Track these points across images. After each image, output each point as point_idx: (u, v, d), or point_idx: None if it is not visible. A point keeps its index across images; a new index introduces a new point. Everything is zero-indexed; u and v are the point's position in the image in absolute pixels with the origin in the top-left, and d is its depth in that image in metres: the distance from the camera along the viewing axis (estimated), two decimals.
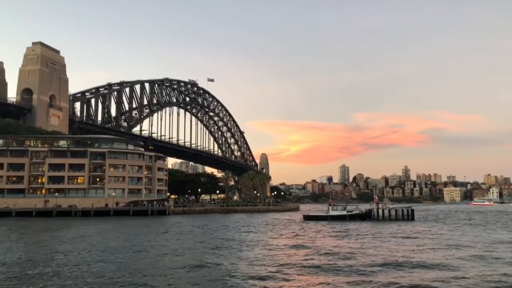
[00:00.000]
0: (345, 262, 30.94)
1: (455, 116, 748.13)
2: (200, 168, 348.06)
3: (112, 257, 33.14)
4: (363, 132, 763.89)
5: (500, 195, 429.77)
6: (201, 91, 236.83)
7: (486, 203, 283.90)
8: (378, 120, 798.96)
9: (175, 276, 25.46)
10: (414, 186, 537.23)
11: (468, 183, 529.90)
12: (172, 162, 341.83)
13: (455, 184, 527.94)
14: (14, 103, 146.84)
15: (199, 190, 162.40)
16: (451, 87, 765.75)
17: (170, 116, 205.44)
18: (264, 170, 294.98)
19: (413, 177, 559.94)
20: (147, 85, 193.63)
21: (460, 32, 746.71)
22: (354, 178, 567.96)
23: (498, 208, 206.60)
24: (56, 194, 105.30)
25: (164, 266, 29.31)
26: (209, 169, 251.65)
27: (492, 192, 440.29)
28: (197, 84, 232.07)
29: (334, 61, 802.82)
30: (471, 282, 23.85)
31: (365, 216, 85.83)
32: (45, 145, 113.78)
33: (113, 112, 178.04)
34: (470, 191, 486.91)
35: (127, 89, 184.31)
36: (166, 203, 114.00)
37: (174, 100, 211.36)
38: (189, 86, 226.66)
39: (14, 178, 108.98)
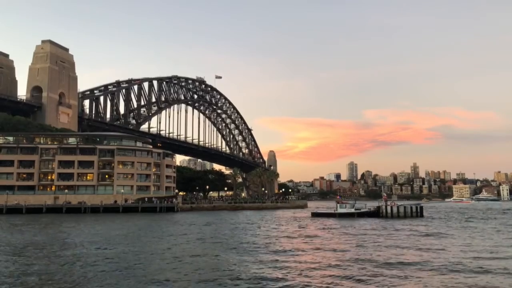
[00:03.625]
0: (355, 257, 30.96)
1: (466, 113, 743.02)
2: (208, 165, 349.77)
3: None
4: (372, 129, 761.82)
5: (511, 192, 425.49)
6: (209, 89, 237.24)
7: (464, 200, 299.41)
8: (388, 117, 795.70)
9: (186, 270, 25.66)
10: (423, 184, 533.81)
11: (478, 180, 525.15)
12: (180, 159, 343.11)
13: (465, 181, 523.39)
14: (24, 101, 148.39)
15: (207, 187, 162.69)
16: (462, 84, 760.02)
17: (178, 113, 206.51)
18: (272, 167, 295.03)
19: (422, 174, 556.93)
20: (155, 82, 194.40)
21: (472, 29, 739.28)
22: (363, 175, 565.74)
23: (469, 205, 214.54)
24: (66, 191, 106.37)
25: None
26: (217, 166, 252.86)
27: (503, 189, 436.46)
28: (205, 81, 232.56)
29: (344, 58, 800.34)
30: None
31: (374, 214, 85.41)
32: (55, 142, 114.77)
33: (122, 109, 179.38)
34: (479, 188, 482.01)
35: (136, 87, 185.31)
36: (174, 200, 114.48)
37: (182, 98, 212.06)
38: (197, 83, 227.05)
39: (24, 175, 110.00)
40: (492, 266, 27.28)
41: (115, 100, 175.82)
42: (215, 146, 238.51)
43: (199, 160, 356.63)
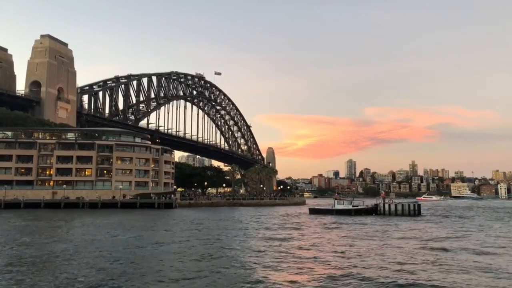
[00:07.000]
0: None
1: (465, 112, 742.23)
2: (206, 161, 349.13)
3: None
4: (371, 127, 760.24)
5: (509, 191, 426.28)
6: (208, 85, 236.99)
7: (434, 198, 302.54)
8: (388, 115, 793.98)
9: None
10: (421, 182, 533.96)
11: (476, 178, 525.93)
12: (179, 155, 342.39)
13: (463, 179, 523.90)
14: (23, 95, 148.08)
15: (206, 183, 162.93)
16: (462, 82, 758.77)
17: (177, 109, 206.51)
18: (270, 164, 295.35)
19: (420, 172, 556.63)
20: (154, 78, 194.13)
21: (472, 27, 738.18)
22: (361, 172, 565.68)
23: (437, 203, 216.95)
24: (64, 186, 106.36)
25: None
26: (215, 163, 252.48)
27: (500, 188, 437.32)
28: (204, 77, 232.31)
29: (344, 55, 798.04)
30: None
31: (371, 211, 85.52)
32: (53, 138, 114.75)
33: (121, 105, 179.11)
34: (478, 187, 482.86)
35: (135, 82, 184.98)
36: (172, 196, 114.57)
37: (181, 94, 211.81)
38: (196, 79, 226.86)
39: (22, 170, 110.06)
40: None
41: (114, 96, 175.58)
42: (213, 142, 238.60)
43: (197, 156, 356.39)
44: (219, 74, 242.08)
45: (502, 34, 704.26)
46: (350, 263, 27.78)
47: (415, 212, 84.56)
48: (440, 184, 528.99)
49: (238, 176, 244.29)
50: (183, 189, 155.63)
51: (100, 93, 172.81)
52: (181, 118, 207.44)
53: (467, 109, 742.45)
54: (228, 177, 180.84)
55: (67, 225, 54.96)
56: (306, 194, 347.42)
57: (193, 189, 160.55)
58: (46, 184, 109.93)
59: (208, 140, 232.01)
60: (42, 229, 49.24)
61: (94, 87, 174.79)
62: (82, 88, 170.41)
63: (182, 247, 34.69)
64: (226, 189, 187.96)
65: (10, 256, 29.38)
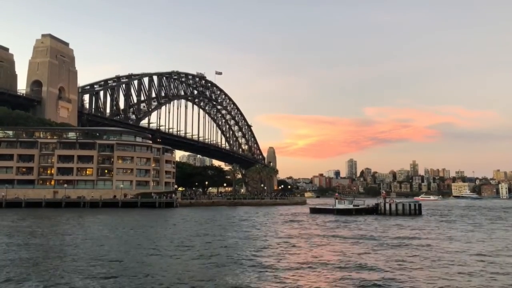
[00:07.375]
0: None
1: (466, 111, 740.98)
2: (207, 161, 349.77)
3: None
4: (372, 127, 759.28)
5: (509, 190, 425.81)
6: (209, 84, 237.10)
7: (431, 198, 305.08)
8: (388, 115, 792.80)
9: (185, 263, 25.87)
10: (422, 181, 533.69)
11: (477, 178, 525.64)
12: (179, 154, 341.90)
13: (464, 179, 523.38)
14: (24, 95, 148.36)
15: (207, 183, 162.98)
16: (462, 82, 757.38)
17: (178, 109, 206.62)
18: (271, 164, 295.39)
19: (421, 172, 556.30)
20: (155, 77, 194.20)
21: (472, 27, 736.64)
22: (362, 172, 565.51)
23: (435, 202, 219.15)
24: (65, 185, 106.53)
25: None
26: (216, 162, 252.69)
27: (501, 188, 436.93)
28: (205, 77, 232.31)
29: (344, 55, 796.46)
30: None
31: (372, 211, 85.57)
32: (54, 137, 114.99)
33: (122, 104, 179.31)
34: (478, 187, 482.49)
35: (136, 82, 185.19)
36: (173, 195, 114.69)
37: (182, 93, 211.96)
38: (197, 79, 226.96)
39: (24, 169, 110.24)
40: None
41: (115, 95, 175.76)
42: (214, 142, 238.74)
43: (198, 156, 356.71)
44: (220, 73, 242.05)
45: (502, 34, 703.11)
46: (350, 262, 27.86)
47: (416, 212, 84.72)
48: (441, 184, 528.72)
49: (239, 176, 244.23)
50: (184, 189, 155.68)
51: (101, 93, 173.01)
52: (182, 118, 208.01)
53: (467, 109, 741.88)
54: (229, 177, 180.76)
55: (68, 225, 55.15)
56: (308, 194, 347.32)
57: (194, 188, 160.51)
58: (47, 183, 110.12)
59: (209, 140, 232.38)
60: (42, 229, 49.42)
61: (95, 86, 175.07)
62: (83, 87, 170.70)
63: (182, 246, 34.85)
64: (227, 188, 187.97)
65: (10, 255, 29.52)
